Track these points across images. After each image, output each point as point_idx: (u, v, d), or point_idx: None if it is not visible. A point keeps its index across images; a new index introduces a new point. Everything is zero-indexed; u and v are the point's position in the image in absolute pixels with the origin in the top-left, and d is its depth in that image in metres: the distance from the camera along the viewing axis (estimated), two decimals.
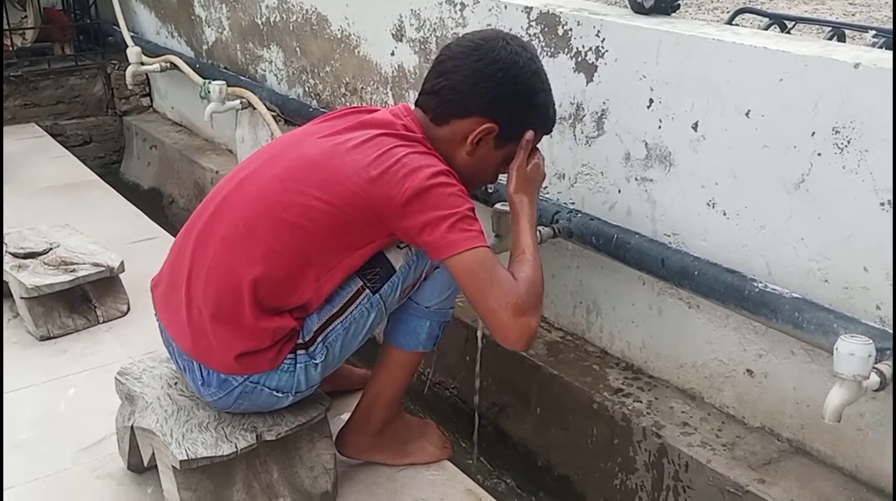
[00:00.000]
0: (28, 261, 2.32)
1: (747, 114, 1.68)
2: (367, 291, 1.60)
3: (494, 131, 1.64)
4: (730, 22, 2.61)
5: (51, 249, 2.38)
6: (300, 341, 1.57)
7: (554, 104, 1.75)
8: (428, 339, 1.74)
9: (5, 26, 4.14)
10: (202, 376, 1.55)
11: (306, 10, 2.91)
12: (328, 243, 1.52)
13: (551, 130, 1.81)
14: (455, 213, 1.48)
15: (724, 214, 1.78)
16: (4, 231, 2.55)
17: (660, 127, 1.85)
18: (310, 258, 1.52)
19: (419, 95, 1.69)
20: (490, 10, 2.19)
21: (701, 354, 1.92)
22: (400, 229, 1.51)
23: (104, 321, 2.33)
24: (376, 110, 1.68)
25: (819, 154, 1.59)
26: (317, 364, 1.59)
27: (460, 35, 2.12)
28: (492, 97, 1.61)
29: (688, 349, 1.95)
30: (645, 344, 2.05)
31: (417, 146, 1.56)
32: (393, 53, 2.57)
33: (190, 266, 1.56)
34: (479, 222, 1.53)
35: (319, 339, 1.58)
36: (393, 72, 2.59)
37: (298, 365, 1.57)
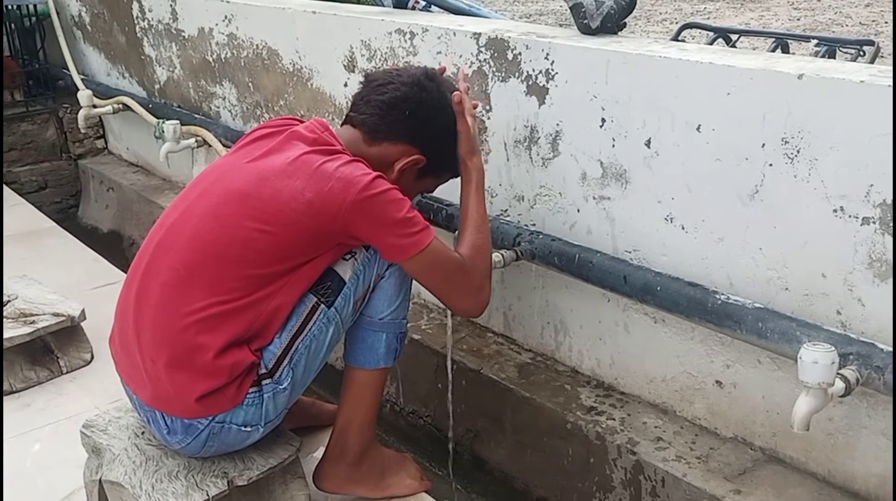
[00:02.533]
0: None
1: (698, 128, 1.70)
2: (323, 306, 1.61)
3: (421, 163, 1.72)
4: (676, 38, 2.66)
5: (9, 301, 2.34)
6: (262, 371, 1.56)
7: None
8: (387, 353, 1.74)
9: None
10: (167, 424, 1.53)
11: (257, 44, 2.90)
12: (276, 269, 1.53)
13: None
14: (400, 216, 1.55)
15: (683, 228, 1.80)
16: None
17: (613, 146, 1.87)
18: (258, 287, 1.52)
19: (353, 111, 1.74)
20: (439, 37, 2.20)
21: (670, 368, 1.93)
22: (347, 239, 1.57)
23: (68, 372, 2.29)
24: (295, 124, 1.69)
25: (770, 165, 1.61)
26: (284, 388, 1.58)
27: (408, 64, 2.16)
28: (430, 129, 1.71)
29: (656, 364, 1.96)
30: (614, 361, 2.05)
31: (343, 157, 1.58)
32: (346, 84, 2.57)
33: (136, 319, 1.56)
34: (418, 213, 1.60)
35: (285, 362, 1.58)
36: (347, 102, 2.58)
37: (265, 395, 1.56)
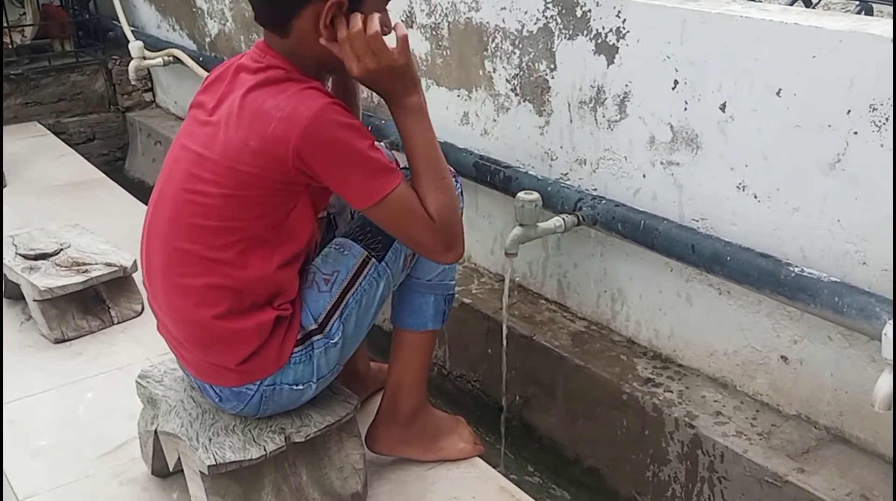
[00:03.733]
0: (39, 262, 2.27)
1: (778, 93, 1.63)
2: (373, 260, 1.58)
3: (344, 5, 1.38)
4: None
5: (62, 249, 2.33)
6: (313, 327, 1.53)
7: None
8: (435, 315, 1.70)
9: (4, 24, 4.09)
10: (217, 393, 1.52)
11: None
12: (257, 227, 1.43)
13: None
14: (356, 152, 1.37)
15: (755, 197, 1.73)
16: (13, 233, 2.51)
17: (686, 109, 1.80)
18: (248, 248, 1.44)
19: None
20: None
21: (732, 341, 1.88)
22: (312, 182, 1.41)
23: (119, 322, 2.28)
24: (241, 60, 1.48)
25: (855, 133, 1.54)
26: (335, 343, 1.55)
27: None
28: None
29: (719, 337, 1.90)
30: (674, 332, 2.00)
31: (290, 87, 1.38)
32: None
33: (156, 305, 1.55)
34: (382, 152, 1.43)
35: (335, 316, 1.55)
36: None
37: (316, 350, 1.53)
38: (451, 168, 1.64)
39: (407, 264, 1.64)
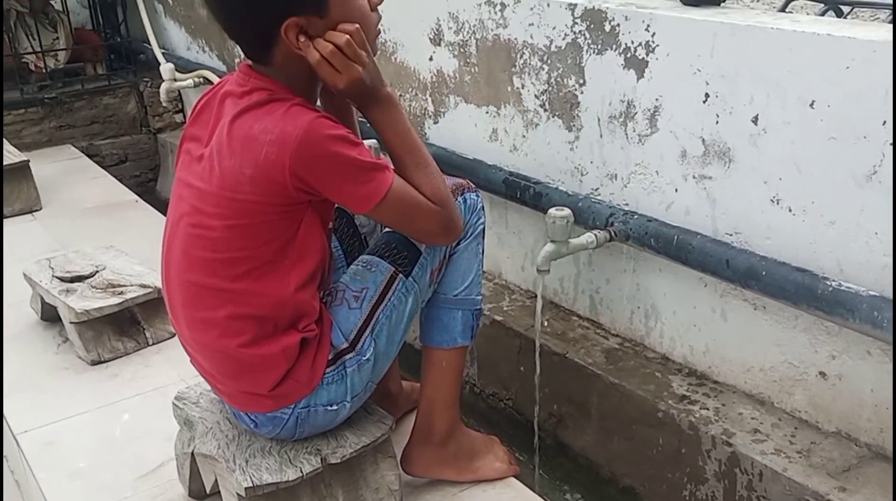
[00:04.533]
0: (75, 285, 2.30)
1: (811, 105, 1.61)
2: (401, 275, 1.57)
3: (302, 25, 1.36)
4: (783, 9, 2.53)
5: (97, 271, 2.36)
6: (344, 346, 1.53)
7: None
8: (464, 330, 1.70)
9: (37, 48, 4.16)
10: (253, 420, 1.53)
11: None
12: (268, 253, 1.43)
13: None
14: (349, 161, 1.36)
15: (790, 210, 1.71)
16: (50, 255, 2.55)
17: (717, 122, 1.79)
18: (262, 274, 1.44)
19: None
20: (532, 8, 2.13)
21: (769, 357, 1.85)
22: (311, 197, 1.41)
23: (154, 343, 2.30)
24: (226, 86, 1.48)
25: (891, 143, 1.52)
26: (368, 359, 1.55)
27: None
28: (255, 4, 1.36)
29: (755, 353, 1.88)
30: (709, 348, 1.98)
31: (276, 109, 1.37)
32: (431, 58, 2.53)
33: (184, 339, 1.56)
34: (366, 148, 1.41)
35: (366, 333, 1.55)
36: (432, 77, 2.55)
37: (349, 369, 1.53)
38: (470, 182, 1.69)
39: (433, 278, 1.64)
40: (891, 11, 2.42)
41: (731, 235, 1.82)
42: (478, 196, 1.70)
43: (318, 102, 1.55)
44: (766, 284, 1.69)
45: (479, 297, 1.73)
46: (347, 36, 1.38)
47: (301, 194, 1.38)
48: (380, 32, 1.54)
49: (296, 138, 1.33)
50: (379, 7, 1.48)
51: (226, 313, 1.45)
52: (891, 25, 1.84)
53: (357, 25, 1.39)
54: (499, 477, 1.77)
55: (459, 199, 1.66)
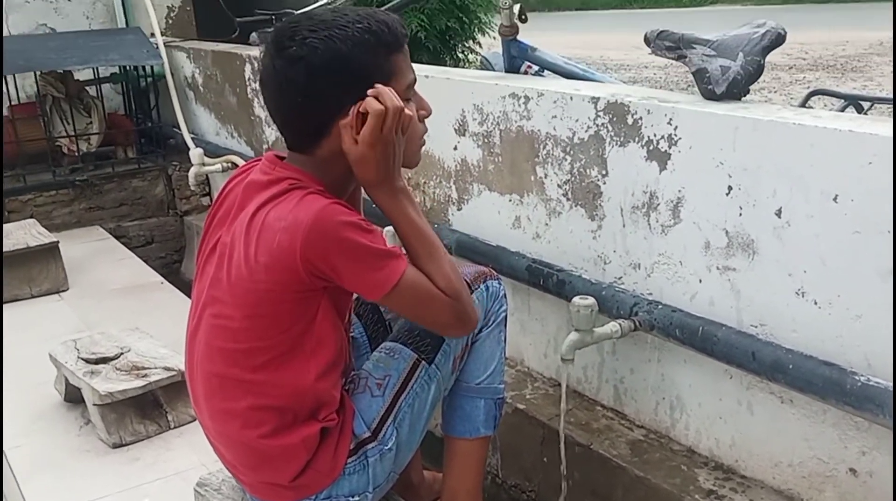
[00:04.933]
0: (100, 366, 2.31)
1: (835, 199, 1.63)
2: (423, 362, 1.57)
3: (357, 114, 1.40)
4: (804, 104, 2.58)
5: (122, 353, 2.38)
6: (366, 435, 1.52)
7: (373, 32, 1.41)
8: (486, 420, 1.69)
9: (71, 132, 4.28)
10: None
11: None
12: (285, 343, 1.43)
13: (400, 43, 1.46)
14: (361, 247, 1.37)
15: (815, 303, 1.71)
16: (75, 336, 2.57)
17: (740, 214, 1.80)
18: (282, 365, 1.44)
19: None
20: (555, 101, 2.18)
21: (797, 452, 1.82)
22: (324, 283, 1.41)
23: (175, 427, 2.30)
24: (255, 165, 1.52)
25: (891, 232, 1.52)
26: (390, 449, 1.55)
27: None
28: (327, 95, 1.40)
29: (783, 447, 1.85)
30: (735, 442, 1.95)
31: (293, 197, 1.39)
32: (455, 148, 2.58)
33: (206, 429, 1.58)
34: (380, 235, 1.42)
35: (388, 421, 1.55)
36: (456, 166, 2.59)
37: (371, 459, 1.53)
38: (492, 270, 1.71)
39: (456, 366, 1.64)
40: None
41: (756, 326, 1.82)
42: (500, 284, 1.71)
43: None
44: (793, 377, 1.67)
45: (502, 385, 1.72)
46: (400, 104, 1.40)
47: (315, 279, 1.38)
48: (423, 144, 1.58)
49: (307, 225, 1.34)
50: (426, 120, 1.52)
51: (247, 404, 1.45)
52: None
53: (418, 109, 1.46)
54: None
55: (482, 286, 1.68)
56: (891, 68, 9.52)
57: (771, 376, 1.72)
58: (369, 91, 1.39)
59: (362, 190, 1.60)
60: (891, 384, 1.55)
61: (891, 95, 2.49)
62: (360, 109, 1.40)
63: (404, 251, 1.49)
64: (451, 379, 1.65)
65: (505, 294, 1.72)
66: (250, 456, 1.50)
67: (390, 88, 1.40)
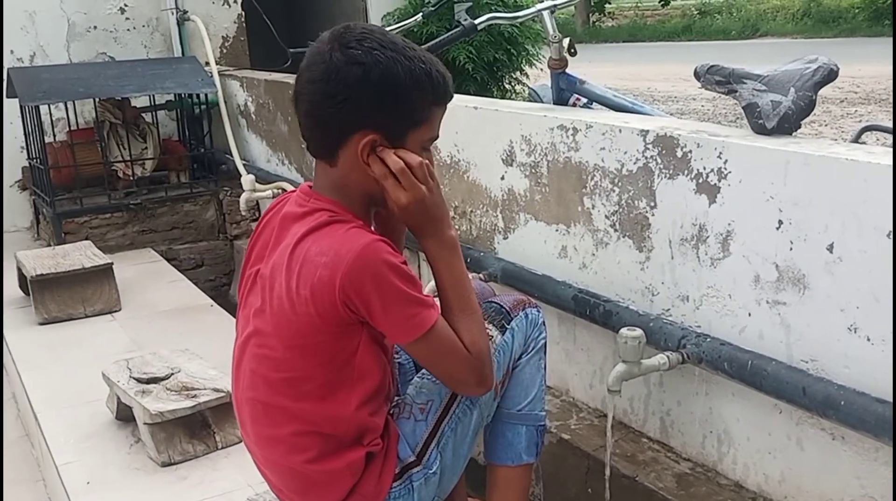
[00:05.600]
0: (151, 386, 2.36)
1: (888, 235, 1.61)
2: None
3: (377, 142, 1.44)
4: (856, 140, 2.56)
5: (172, 374, 2.42)
6: (411, 459, 1.54)
7: (431, 77, 1.45)
8: (528, 447, 1.70)
9: (126, 157, 4.39)
10: None
11: None
12: (327, 373, 1.45)
13: (446, 100, 1.51)
14: (396, 290, 1.38)
15: (868, 339, 1.69)
16: (127, 356, 2.62)
17: (791, 249, 1.79)
18: (324, 394, 1.46)
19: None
20: (604, 134, 2.20)
21: (849, 489, 1.79)
22: (360, 318, 1.42)
23: (223, 447, 2.33)
24: (288, 198, 1.56)
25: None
26: (434, 472, 1.56)
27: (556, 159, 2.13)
28: (365, 107, 1.42)
29: (834, 484, 1.82)
30: (784, 478, 1.92)
31: (335, 232, 1.42)
32: (503, 177, 2.60)
33: (255, 456, 1.61)
34: (417, 281, 1.43)
35: (432, 445, 1.56)
36: (503, 195, 2.62)
37: (415, 483, 1.54)
38: (531, 298, 1.73)
39: (498, 392, 1.65)
40: None
41: (806, 362, 1.80)
42: (539, 311, 1.73)
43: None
44: (845, 414, 1.65)
45: (543, 413, 1.73)
46: (421, 159, 1.45)
47: (351, 314, 1.40)
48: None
49: (348, 261, 1.36)
50: (432, 147, 1.55)
51: (291, 430, 1.48)
52: None
53: (421, 159, 1.46)
54: None
55: (521, 314, 1.70)
56: None
57: (822, 412, 1.70)
58: (378, 151, 1.43)
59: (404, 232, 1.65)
60: None
61: None
62: (392, 168, 1.43)
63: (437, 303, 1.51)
64: (492, 405, 1.67)
65: (544, 322, 1.73)
66: (296, 481, 1.52)
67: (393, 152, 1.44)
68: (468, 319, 1.49)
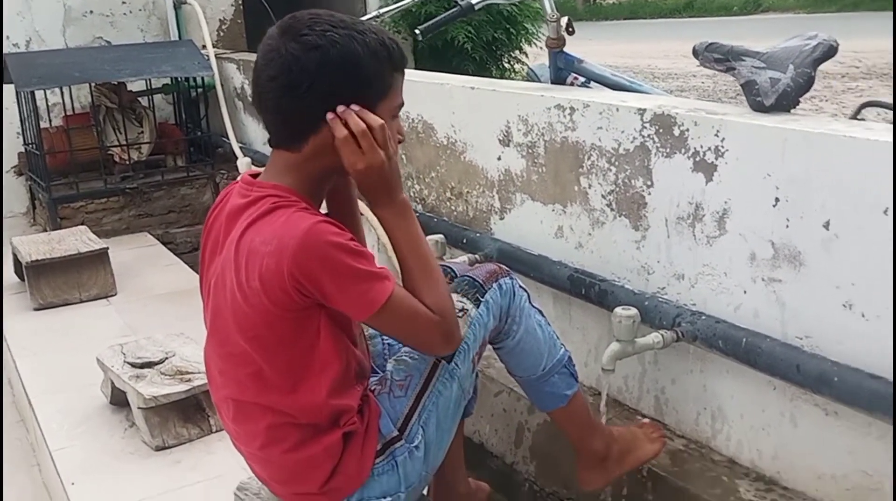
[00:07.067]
0: (145, 371, 2.35)
1: (885, 211, 1.60)
2: (443, 361, 1.60)
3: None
4: (855, 116, 2.54)
5: (167, 358, 2.42)
6: (393, 433, 1.55)
7: (386, 46, 1.45)
8: (567, 384, 1.82)
9: (123, 141, 4.38)
10: None
11: (412, 118, 2.97)
12: (292, 365, 1.44)
13: (404, 64, 1.51)
14: (347, 267, 1.36)
15: (863, 316, 1.68)
16: (122, 340, 2.62)
17: (787, 226, 1.78)
18: (292, 384, 1.45)
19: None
20: (601, 113, 2.18)
21: (842, 464, 1.79)
22: (316, 299, 1.40)
23: (217, 431, 2.32)
24: (230, 201, 1.51)
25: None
26: (417, 447, 1.56)
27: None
28: (330, 90, 1.40)
29: (826, 460, 1.82)
30: (778, 453, 1.92)
31: (277, 218, 1.39)
32: (499, 158, 2.58)
33: (235, 447, 1.63)
34: (368, 255, 1.41)
35: (413, 420, 1.57)
36: (499, 176, 2.60)
37: (398, 458, 1.55)
38: (501, 266, 1.78)
39: (475, 363, 1.67)
40: None
41: (801, 339, 1.80)
42: (512, 279, 1.75)
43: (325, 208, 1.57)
44: (838, 390, 1.65)
45: (562, 350, 1.82)
46: (381, 121, 1.43)
47: (305, 298, 1.38)
48: (401, 141, 1.56)
49: (292, 247, 1.34)
50: (399, 117, 1.54)
51: (266, 424, 1.49)
52: None
53: (383, 121, 1.44)
54: (654, 455, 1.95)
55: (494, 285, 1.71)
56: None
57: (816, 388, 1.70)
58: (339, 110, 1.41)
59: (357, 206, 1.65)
60: None
61: None
62: (354, 130, 1.41)
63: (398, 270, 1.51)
64: (471, 376, 1.68)
65: (520, 286, 1.77)
66: (277, 471, 1.54)
67: (359, 108, 1.42)
68: (429, 280, 1.49)
